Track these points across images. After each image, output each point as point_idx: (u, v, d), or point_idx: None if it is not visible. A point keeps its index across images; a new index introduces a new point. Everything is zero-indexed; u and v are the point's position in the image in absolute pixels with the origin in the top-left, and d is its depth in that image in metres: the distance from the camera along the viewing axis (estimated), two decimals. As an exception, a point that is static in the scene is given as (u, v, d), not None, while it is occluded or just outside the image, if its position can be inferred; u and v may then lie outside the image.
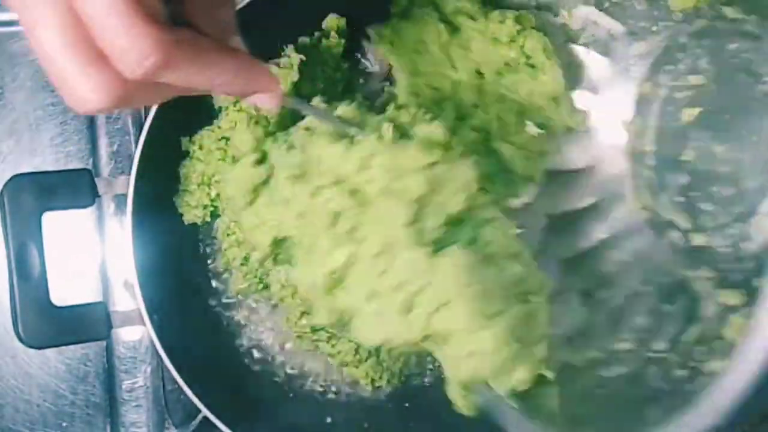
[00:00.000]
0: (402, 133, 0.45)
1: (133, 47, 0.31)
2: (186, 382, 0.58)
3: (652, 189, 0.47)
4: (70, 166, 0.70)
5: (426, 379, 0.68)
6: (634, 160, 0.48)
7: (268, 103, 0.40)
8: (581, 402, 0.42)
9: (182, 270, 0.62)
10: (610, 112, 0.50)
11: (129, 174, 0.59)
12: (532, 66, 0.49)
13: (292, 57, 0.59)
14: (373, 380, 0.66)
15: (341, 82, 0.64)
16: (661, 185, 0.46)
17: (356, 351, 0.64)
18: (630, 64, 0.49)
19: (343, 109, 0.48)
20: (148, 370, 0.70)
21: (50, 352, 0.70)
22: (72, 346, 0.69)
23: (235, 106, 0.60)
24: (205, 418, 0.59)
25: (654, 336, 0.43)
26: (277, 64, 0.60)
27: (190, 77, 0.34)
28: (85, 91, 0.32)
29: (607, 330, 0.45)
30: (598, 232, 0.49)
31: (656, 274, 0.46)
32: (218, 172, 0.61)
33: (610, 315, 0.46)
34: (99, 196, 0.60)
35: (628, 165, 0.48)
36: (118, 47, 0.31)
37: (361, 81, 0.66)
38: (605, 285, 0.47)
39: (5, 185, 0.57)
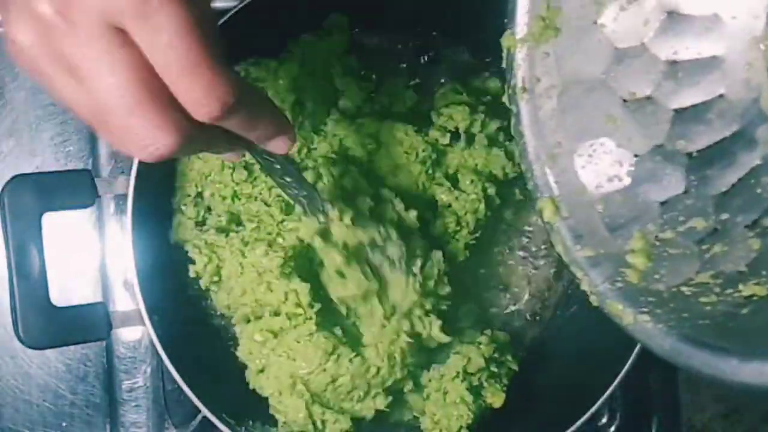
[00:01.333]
0: None
1: (210, 89, 0.33)
2: (186, 382, 0.58)
3: None
4: (70, 166, 0.70)
5: None
6: None
7: (282, 147, 0.42)
8: None
9: (182, 270, 0.62)
10: (736, 33, 0.44)
11: (129, 174, 0.59)
12: None
13: (293, 51, 0.59)
14: None
15: (340, 80, 0.64)
16: None
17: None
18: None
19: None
20: (148, 370, 0.70)
21: (50, 352, 0.70)
22: (72, 346, 0.69)
23: None
24: (205, 418, 0.58)
25: None
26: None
27: (249, 121, 0.37)
28: (158, 135, 0.33)
29: None
30: (750, 159, 0.44)
31: None
32: (215, 170, 0.61)
33: None
34: (99, 197, 0.59)
35: None
36: (195, 89, 0.33)
37: (361, 79, 0.66)
38: None
39: (5, 185, 0.57)
